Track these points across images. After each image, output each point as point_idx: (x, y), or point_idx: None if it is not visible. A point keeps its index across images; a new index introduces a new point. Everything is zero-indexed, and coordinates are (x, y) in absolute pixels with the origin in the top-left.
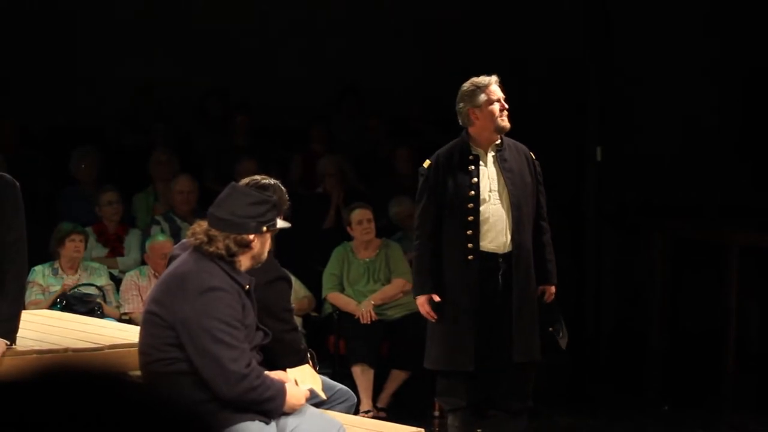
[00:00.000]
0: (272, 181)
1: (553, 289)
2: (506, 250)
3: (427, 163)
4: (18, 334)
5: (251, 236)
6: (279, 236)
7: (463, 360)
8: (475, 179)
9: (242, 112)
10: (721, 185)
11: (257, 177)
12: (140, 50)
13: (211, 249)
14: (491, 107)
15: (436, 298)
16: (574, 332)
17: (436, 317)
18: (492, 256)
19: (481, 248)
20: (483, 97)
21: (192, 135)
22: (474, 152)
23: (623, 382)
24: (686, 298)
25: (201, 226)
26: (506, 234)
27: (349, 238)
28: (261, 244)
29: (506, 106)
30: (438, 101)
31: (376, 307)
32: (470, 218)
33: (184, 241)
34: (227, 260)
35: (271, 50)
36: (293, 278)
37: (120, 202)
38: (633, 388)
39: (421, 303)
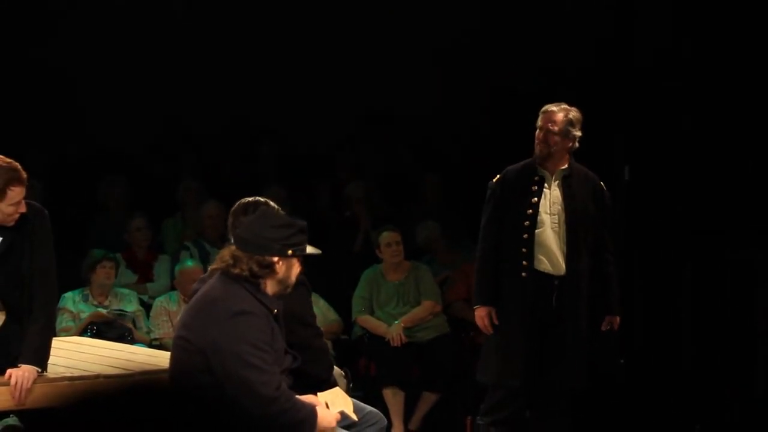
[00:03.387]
0: (262, 199)
1: (618, 319)
2: (561, 273)
3: (496, 179)
4: (49, 361)
5: (275, 258)
6: (308, 260)
7: (511, 375)
8: (536, 199)
9: (268, 139)
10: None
11: (248, 198)
12: (168, 79)
13: (236, 271)
14: (536, 132)
15: (494, 318)
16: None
17: (491, 331)
18: (546, 276)
19: (535, 267)
20: (538, 122)
21: (219, 164)
22: (540, 174)
23: (654, 403)
24: (717, 319)
25: (229, 249)
26: (561, 257)
27: (378, 262)
28: (287, 268)
29: (544, 137)
30: (463, 126)
31: (407, 329)
32: (525, 236)
33: (203, 276)
34: (252, 282)
35: (297, 78)
36: (322, 301)
37: (149, 228)
38: (664, 411)
39: (481, 315)
